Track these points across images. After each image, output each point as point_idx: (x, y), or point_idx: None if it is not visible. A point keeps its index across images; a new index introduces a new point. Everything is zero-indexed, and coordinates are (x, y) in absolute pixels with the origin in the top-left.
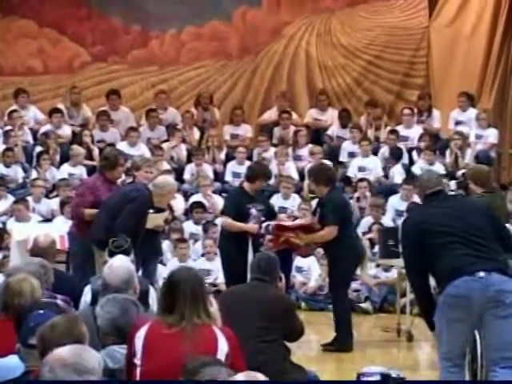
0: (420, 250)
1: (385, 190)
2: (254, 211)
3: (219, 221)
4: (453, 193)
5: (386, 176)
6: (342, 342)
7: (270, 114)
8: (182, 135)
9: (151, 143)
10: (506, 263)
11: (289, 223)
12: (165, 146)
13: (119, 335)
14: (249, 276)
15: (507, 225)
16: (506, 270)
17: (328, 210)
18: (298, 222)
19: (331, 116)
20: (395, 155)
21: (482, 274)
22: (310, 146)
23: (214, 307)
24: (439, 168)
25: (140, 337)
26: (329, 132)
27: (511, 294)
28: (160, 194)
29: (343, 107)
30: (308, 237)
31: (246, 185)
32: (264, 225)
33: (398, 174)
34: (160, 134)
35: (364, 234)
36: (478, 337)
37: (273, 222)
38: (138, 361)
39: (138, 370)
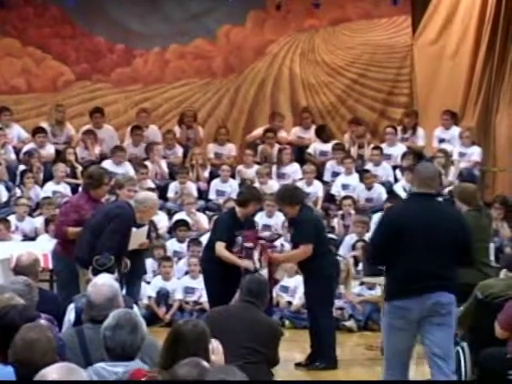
0: (388, 242)
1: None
2: (240, 239)
3: (216, 250)
4: None
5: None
6: (328, 360)
7: (259, 132)
8: (165, 153)
9: (135, 159)
10: (454, 279)
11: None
12: (149, 164)
13: (105, 346)
14: (236, 297)
15: (490, 245)
16: (450, 286)
17: (301, 229)
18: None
19: (314, 134)
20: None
21: (424, 293)
22: (305, 166)
23: (217, 355)
24: None
25: None
26: (310, 150)
27: (446, 306)
28: (141, 210)
29: (321, 124)
30: (282, 256)
31: (238, 210)
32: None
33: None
34: (143, 151)
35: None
36: (462, 356)
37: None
38: None
39: None
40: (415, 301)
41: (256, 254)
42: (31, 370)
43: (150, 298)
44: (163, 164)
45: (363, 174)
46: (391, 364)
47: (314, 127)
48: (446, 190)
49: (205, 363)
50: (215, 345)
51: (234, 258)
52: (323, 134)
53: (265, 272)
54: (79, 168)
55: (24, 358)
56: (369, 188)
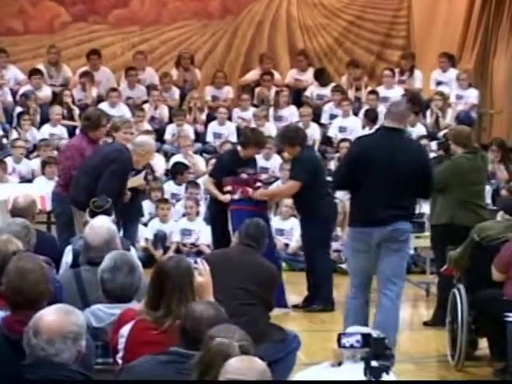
0: (352, 172)
1: None
2: (244, 176)
3: (201, 181)
4: (434, 154)
5: None
6: (325, 302)
7: (253, 75)
8: (162, 96)
9: (131, 102)
10: (411, 208)
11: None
12: (146, 106)
13: (103, 288)
14: (234, 239)
15: (487, 186)
16: (407, 216)
17: (296, 167)
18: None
19: (312, 76)
20: (370, 117)
21: (383, 223)
22: (302, 109)
23: (204, 276)
24: (420, 129)
25: (123, 335)
26: (307, 93)
27: (404, 233)
28: (139, 153)
29: (320, 66)
30: (266, 191)
31: (240, 149)
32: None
33: None
34: (140, 94)
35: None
36: (458, 298)
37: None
38: (119, 359)
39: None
40: (375, 228)
41: (237, 196)
42: (24, 298)
43: (147, 240)
44: (164, 109)
45: (368, 112)
46: (354, 282)
47: (311, 69)
48: (441, 133)
49: (220, 307)
50: (201, 266)
51: (216, 191)
52: (321, 78)
53: None
54: (76, 110)
55: (17, 287)
56: (371, 128)
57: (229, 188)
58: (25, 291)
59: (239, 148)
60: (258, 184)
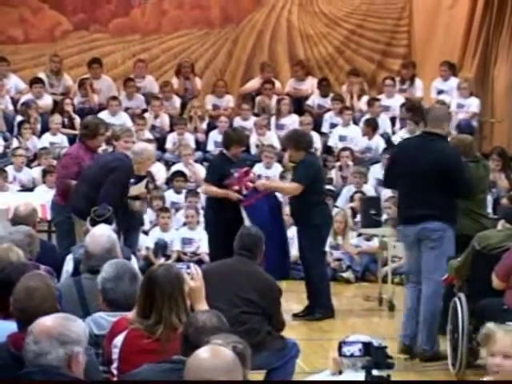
0: (388, 171)
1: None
2: (237, 175)
3: (201, 189)
4: None
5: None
6: (324, 309)
7: (253, 84)
8: (162, 104)
9: (130, 113)
10: (441, 208)
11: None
12: (147, 115)
13: (106, 298)
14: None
15: (488, 196)
16: (436, 215)
17: (299, 170)
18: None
19: (311, 85)
20: (372, 126)
21: (413, 222)
22: (302, 117)
23: (196, 281)
24: None
25: (117, 346)
26: (309, 102)
27: (435, 232)
28: (139, 161)
29: (323, 76)
30: (270, 183)
31: (225, 151)
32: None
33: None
34: (138, 103)
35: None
36: (459, 307)
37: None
38: (114, 370)
39: (115, 379)
40: (408, 227)
41: (245, 192)
42: (32, 317)
43: (148, 248)
44: (165, 118)
45: (369, 121)
46: (408, 273)
47: (309, 78)
48: None
49: (223, 317)
50: (193, 271)
51: (221, 190)
52: (323, 88)
53: None
54: (77, 119)
55: (25, 306)
56: (369, 138)
57: (236, 187)
58: (32, 311)
59: (224, 150)
60: (251, 175)
